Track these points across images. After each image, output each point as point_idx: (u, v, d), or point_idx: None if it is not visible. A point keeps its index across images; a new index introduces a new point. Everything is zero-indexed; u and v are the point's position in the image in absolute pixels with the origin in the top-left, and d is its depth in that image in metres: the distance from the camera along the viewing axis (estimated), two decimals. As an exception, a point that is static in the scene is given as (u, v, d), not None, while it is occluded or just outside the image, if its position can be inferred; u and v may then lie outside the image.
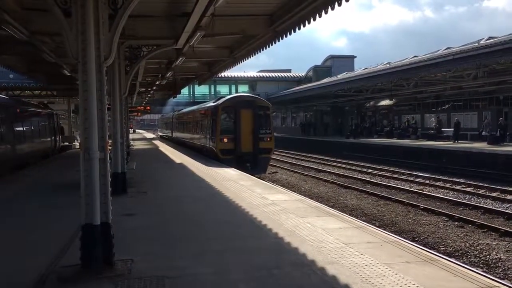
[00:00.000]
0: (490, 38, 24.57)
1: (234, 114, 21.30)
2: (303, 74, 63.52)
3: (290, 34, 11.91)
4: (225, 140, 21.15)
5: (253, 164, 20.96)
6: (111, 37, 6.14)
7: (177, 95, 34.60)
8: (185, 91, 53.07)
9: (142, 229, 8.33)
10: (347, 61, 59.92)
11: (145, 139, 55.64)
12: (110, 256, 6.01)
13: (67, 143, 32.84)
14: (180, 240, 7.47)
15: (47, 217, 9.64)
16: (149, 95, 36.57)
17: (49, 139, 26.26)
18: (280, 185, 17.50)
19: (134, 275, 5.73)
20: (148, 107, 43.97)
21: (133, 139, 46.78)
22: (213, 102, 24.44)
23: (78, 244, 5.90)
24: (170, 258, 6.44)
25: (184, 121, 35.77)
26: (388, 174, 23.58)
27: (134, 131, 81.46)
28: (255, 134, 21.12)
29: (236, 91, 58.25)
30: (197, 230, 8.24)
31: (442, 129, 34.87)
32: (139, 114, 53.93)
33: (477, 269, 7.72)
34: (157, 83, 25.38)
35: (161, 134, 63.10)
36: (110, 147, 9.26)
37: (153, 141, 47.75)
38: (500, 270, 8.96)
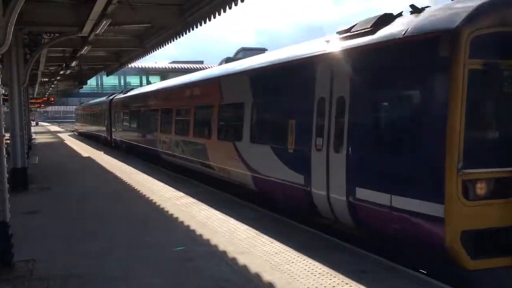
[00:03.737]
0: None
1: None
2: (216, 66, 63.57)
3: (201, 25, 11.80)
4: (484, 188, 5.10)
5: None
6: (5, 22, 5.69)
7: (83, 86, 32.93)
8: (92, 81, 50.87)
9: (46, 227, 7.88)
10: (258, 53, 60.88)
11: (49, 132, 52.49)
12: (8, 257, 5.64)
13: None
14: (86, 237, 7.16)
15: None
16: (52, 86, 34.49)
17: None
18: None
19: (36, 276, 5.42)
20: (52, 98, 41.48)
21: (36, 132, 44.01)
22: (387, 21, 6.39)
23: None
24: (76, 256, 6.16)
25: (179, 108, 14.35)
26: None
27: (37, 124, 76.64)
28: None
29: (148, 83, 56.69)
30: (105, 226, 7.95)
31: None
32: (43, 105, 50.54)
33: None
34: (61, 72, 23.97)
35: (80, 130, 42.96)
36: (7, 141, 8.64)
37: (59, 135, 45.17)
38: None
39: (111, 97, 26.98)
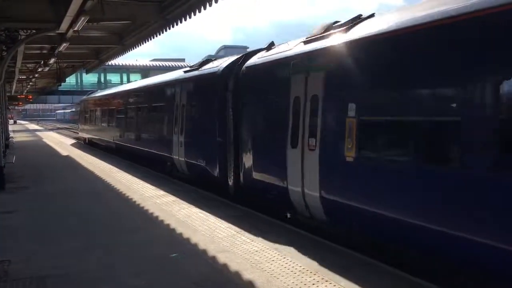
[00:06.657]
0: None
1: None
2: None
3: (181, 22, 11.69)
4: None
5: None
6: (-21, 18, 5.55)
7: (62, 84, 32.39)
8: (72, 79, 50.19)
9: (22, 227, 7.73)
10: (240, 51, 60.82)
11: (27, 130, 51.60)
12: (-18, 258, 5.50)
13: None
14: (64, 237, 7.05)
15: None
16: (30, 83, 33.89)
17: None
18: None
19: (11, 277, 5.31)
20: (30, 96, 40.75)
21: (14, 131, 43.23)
22: None
23: None
24: (53, 256, 6.05)
25: None
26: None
27: (15, 122, 75.38)
28: None
29: (128, 81, 56.12)
30: (84, 225, 7.83)
31: None
32: (21, 103, 49.45)
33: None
34: (39, 70, 23.57)
35: (88, 135, 27.05)
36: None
37: (38, 133, 44.42)
38: None
39: (233, 61, 10.83)
